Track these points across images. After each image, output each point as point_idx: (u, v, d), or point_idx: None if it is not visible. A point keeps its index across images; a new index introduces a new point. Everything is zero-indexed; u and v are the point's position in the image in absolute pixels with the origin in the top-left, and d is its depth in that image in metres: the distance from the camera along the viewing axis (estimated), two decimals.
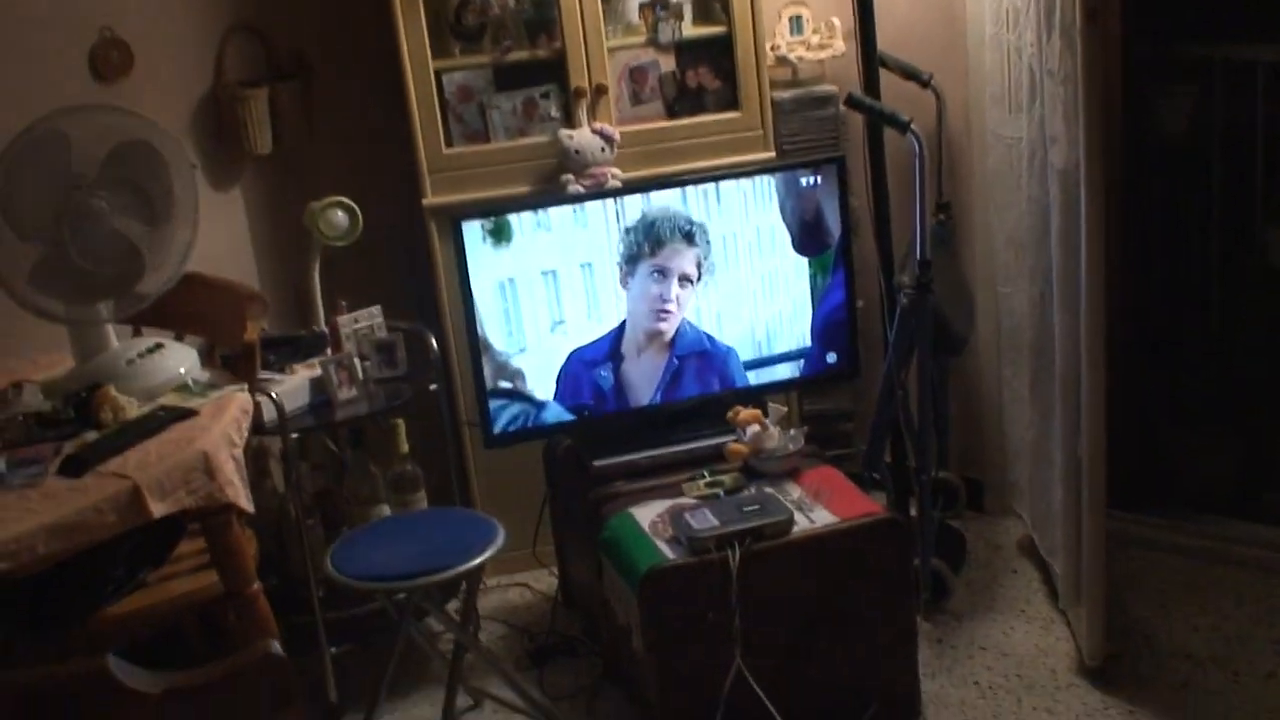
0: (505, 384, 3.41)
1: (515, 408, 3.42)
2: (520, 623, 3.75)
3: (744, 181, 3.42)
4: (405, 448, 3.59)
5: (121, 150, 2.88)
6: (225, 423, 2.83)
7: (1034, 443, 3.51)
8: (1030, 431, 3.53)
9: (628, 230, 3.36)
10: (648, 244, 3.36)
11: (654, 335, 3.44)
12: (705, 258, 3.41)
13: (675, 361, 3.45)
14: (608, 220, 3.35)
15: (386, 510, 3.61)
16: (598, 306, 3.40)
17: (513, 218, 3.32)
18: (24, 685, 1.65)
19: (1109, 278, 3.03)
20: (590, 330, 3.41)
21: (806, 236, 3.48)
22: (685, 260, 3.39)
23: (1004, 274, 3.66)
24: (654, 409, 3.49)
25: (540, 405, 3.43)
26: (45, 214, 2.81)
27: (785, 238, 3.46)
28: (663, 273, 3.39)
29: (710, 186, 3.40)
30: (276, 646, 1.76)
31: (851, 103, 3.32)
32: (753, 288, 3.48)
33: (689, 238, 3.37)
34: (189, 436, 2.76)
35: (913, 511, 3.55)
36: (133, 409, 2.89)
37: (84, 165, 2.84)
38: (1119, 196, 3.71)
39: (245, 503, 2.81)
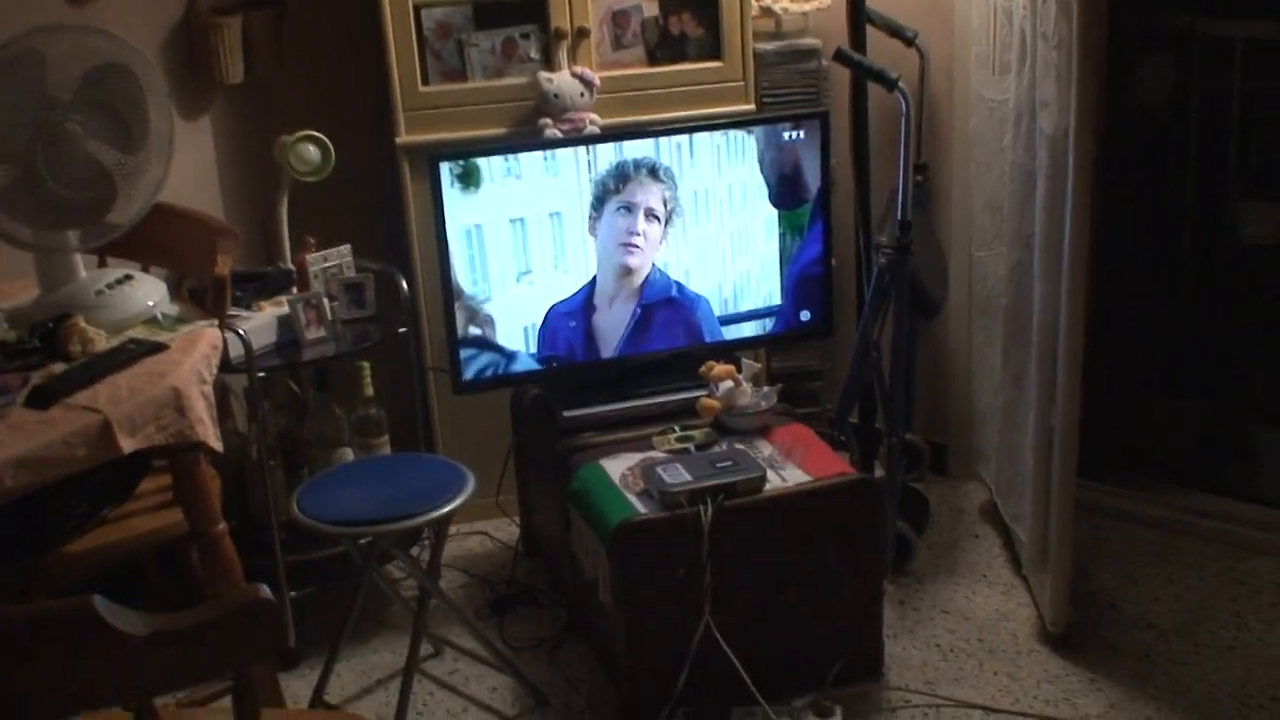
0: (475, 331, 3.35)
1: (485, 358, 3.37)
2: (480, 572, 3.71)
3: (717, 136, 3.37)
4: (370, 391, 3.54)
5: (98, 73, 2.77)
6: (196, 359, 2.75)
7: (1004, 408, 3.51)
8: (1000, 397, 3.53)
9: (596, 179, 3.31)
10: (614, 181, 3.31)
11: (624, 275, 3.38)
12: (673, 196, 3.36)
13: (639, 311, 3.40)
14: (579, 169, 3.30)
15: (349, 454, 3.56)
16: (564, 257, 3.35)
17: (482, 163, 3.25)
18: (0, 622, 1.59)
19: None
20: (557, 281, 3.36)
21: (784, 189, 3.44)
22: (651, 195, 3.34)
23: (980, 238, 3.65)
24: (625, 360, 3.45)
25: (510, 355, 3.38)
26: (18, 135, 2.71)
27: (758, 193, 3.42)
28: (629, 207, 3.34)
29: (684, 139, 3.34)
30: (267, 591, 1.71)
31: (840, 57, 3.27)
32: (723, 244, 3.44)
33: (653, 173, 3.33)
34: (160, 371, 2.67)
35: (879, 473, 3.55)
36: (102, 341, 2.80)
37: (59, 88, 2.73)
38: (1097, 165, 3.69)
39: (215, 441, 2.74)
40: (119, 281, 2.96)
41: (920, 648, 3.29)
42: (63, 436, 2.47)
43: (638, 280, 3.39)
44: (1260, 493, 3.81)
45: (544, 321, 3.37)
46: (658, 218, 3.34)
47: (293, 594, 3.35)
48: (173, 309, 2.99)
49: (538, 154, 3.30)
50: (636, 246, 3.34)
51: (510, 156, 3.28)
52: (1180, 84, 4.15)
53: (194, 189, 3.66)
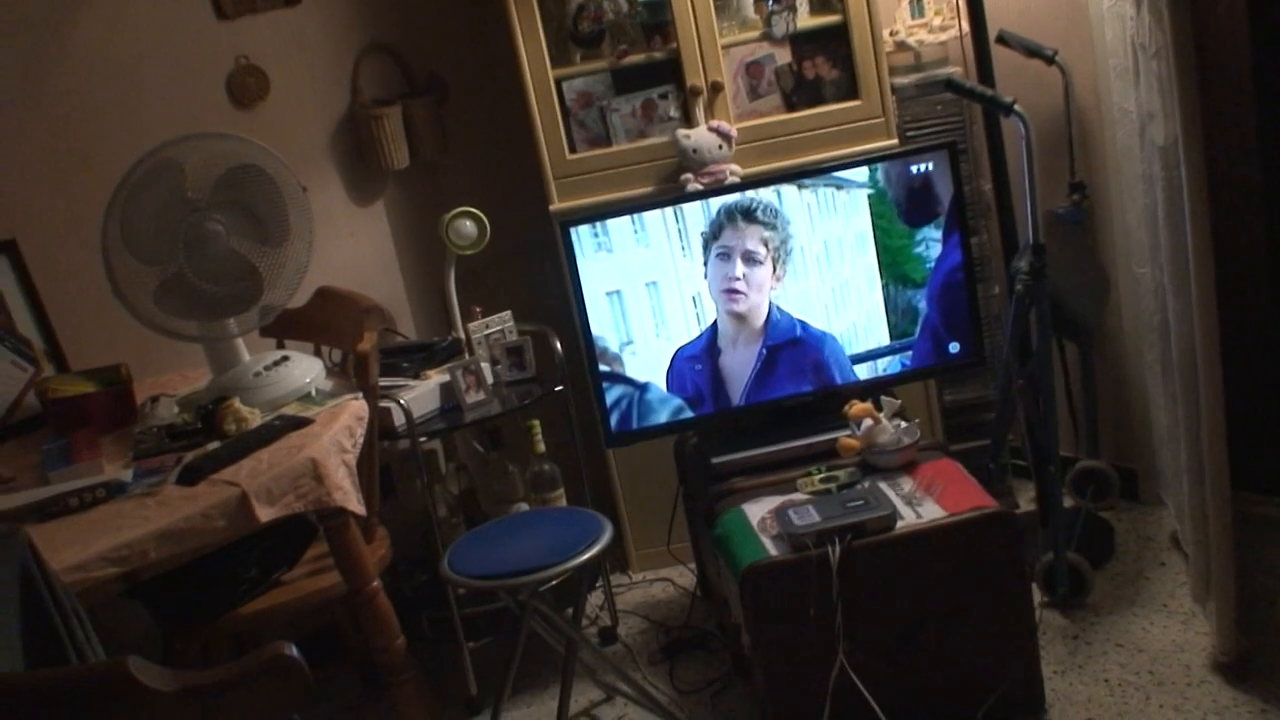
0: (604, 368, 3.46)
1: (617, 390, 3.46)
2: (659, 617, 3.81)
3: (806, 192, 3.38)
4: (541, 447, 3.70)
5: (233, 174, 3.06)
6: (336, 430, 2.98)
7: (1170, 428, 3.37)
8: (1167, 416, 3.39)
9: (704, 229, 3.38)
10: (712, 229, 3.36)
11: (739, 321, 3.42)
12: (776, 237, 3.38)
13: (764, 351, 3.44)
14: (668, 235, 3.38)
15: (525, 507, 3.72)
16: (665, 324, 3.43)
17: (614, 232, 3.38)
18: (44, 682, 1.79)
19: (1230, 257, 2.90)
20: (659, 348, 3.45)
21: (913, 206, 3.41)
22: (747, 238, 3.37)
23: (1139, 253, 3.52)
24: (776, 402, 3.49)
25: (643, 387, 3.47)
26: (164, 239, 3.00)
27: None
28: (726, 253, 3.38)
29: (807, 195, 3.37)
30: (291, 648, 1.86)
31: (952, 87, 3.25)
32: (851, 283, 3.45)
33: (749, 216, 3.35)
34: (300, 444, 2.91)
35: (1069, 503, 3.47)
36: (255, 419, 3.06)
37: (198, 190, 3.03)
38: (1263, 165, 3.51)
39: (355, 505, 2.95)
40: (276, 363, 3.23)
41: (1088, 683, 3.19)
42: (203, 509, 2.72)
43: (757, 322, 3.42)
44: None
45: (670, 365, 3.44)
46: (759, 260, 3.38)
47: (471, 644, 3.53)
48: (327, 385, 3.23)
49: (627, 224, 3.39)
50: (738, 291, 3.39)
51: (600, 230, 3.38)
52: None
53: (376, 268, 3.94)
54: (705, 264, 3.39)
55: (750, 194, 3.37)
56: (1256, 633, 3.16)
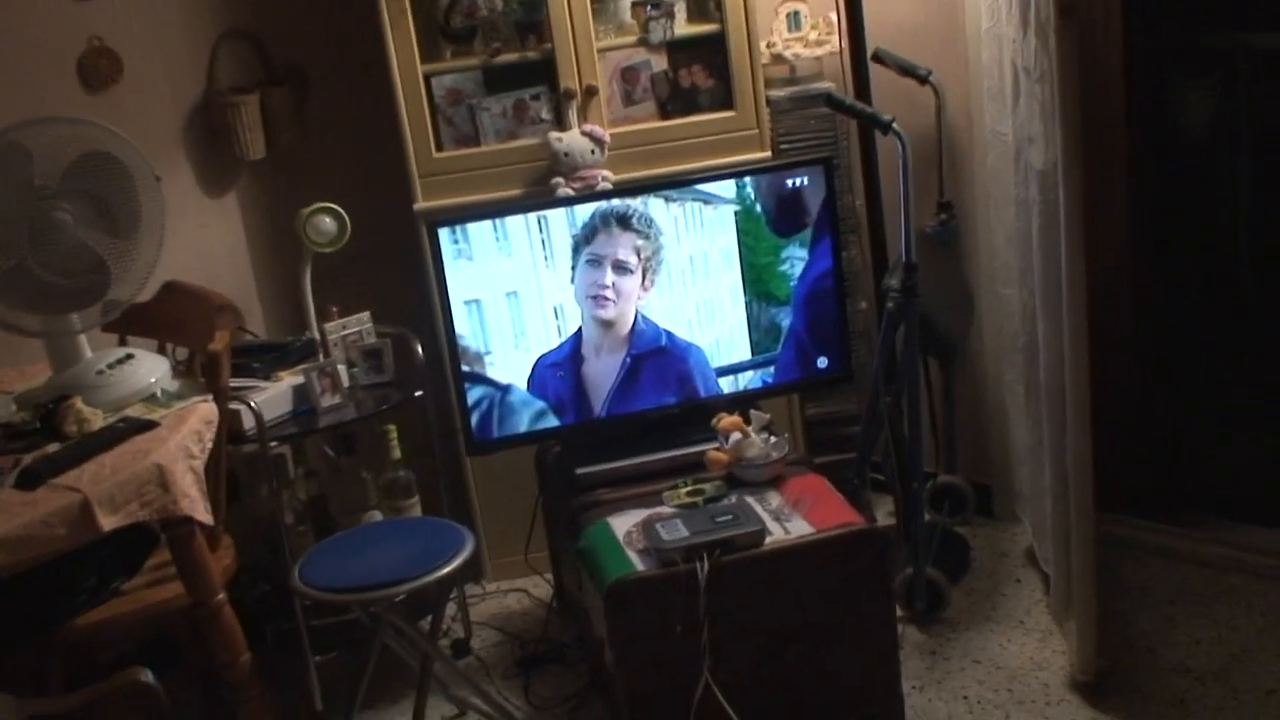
0: (466, 368, 3.36)
1: (478, 395, 3.37)
2: (514, 629, 3.72)
3: (674, 206, 3.33)
4: (398, 454, 3.58)
5: (84, 161, 2.88)
6: (184, 434, 2.82)
7: (1032, 449, 3.41)
8: (1029, 437, 3.43)
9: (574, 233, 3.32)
10: (584, 234, 3.30)
11: (605, 328, 3.36)
12: (648, 246, 3.33)
13: (629, 360, 3.38)
14: (531, 244, 3.31)
15: (378, 516, 3.60)
16: (524, 335, 3.37)
17: (475, 239, 3.29)
18: None
19: (1099, 282, 2.93)
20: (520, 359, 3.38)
21: (781, 215, 3.37)
22: (619, 246, 3.31)
23: (1005, 275, 3.55)
24: (642, 415, 3.43)
25: (505, 392, 3.38)
26: (7, 228, 2.81)
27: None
28: (597, 260, 3.32)
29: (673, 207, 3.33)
30: (147, 674, 1.74)
31: (831, 103, 3.23)
32: (716, 297, 3.42)
33: (623, 222, 3.30)
34: (145, 449, 2.75)
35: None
36: (98, 420, 2.89)
37: (46, 178, 2.84)
38: (1129, 193, 3.58)
39: (203, 514, 2.81)
40: (120, 361, 3.05)
41: (947, 699, 3.20)
42: (43, 516, 2.55)
43: (623, 330, 3.36)
44: None
45: (532, 373, 3.36)
46: (629, 269, 3.32)
47: (318, 658, 3.40)
48: (173, 385, 3.07)
49: (488, 231, 3.30)
50: (606, 299, 3.32)
51: (460, 237, 3.29)
52: (1228, 103, 4.01)
53: (225, 263, 3.78)
54: (573, 268, 3.32)
55: (627, 201, 3.30)
56: (1114, 652, 3.20)
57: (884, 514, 3.89)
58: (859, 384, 3.79)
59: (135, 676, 1.73)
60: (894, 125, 3.14)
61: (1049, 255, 2.93)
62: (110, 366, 3.03)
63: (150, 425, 2.85)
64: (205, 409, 2.94)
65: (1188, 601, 3.44)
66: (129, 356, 3.07)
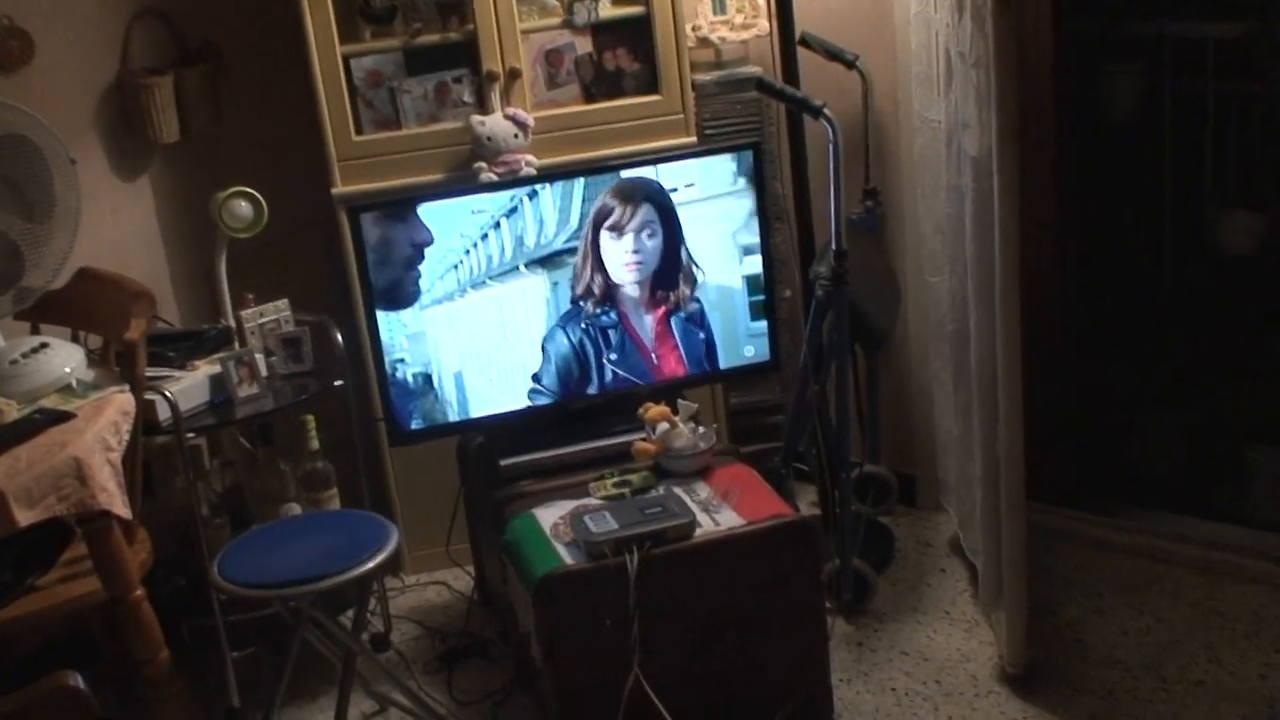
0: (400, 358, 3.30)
1: (405, 385, 3.32)
2: (435, 623, 3.65)
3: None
4: (316, 444, 3.50)
5: None
6: (101, 426, 2.74)
7: (959, 438, 3.41)
8: (956, 426, 3.42)
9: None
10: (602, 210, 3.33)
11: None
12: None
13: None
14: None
15: (296, 508, 3.52)
16: None
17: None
18: None
19: (1028, 270, 2.93)
20: None
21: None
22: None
23: (931, 263, 3.55)
24: (564, 403, 3.39)
25: (429, 383, 3.33)
26: None
27: None
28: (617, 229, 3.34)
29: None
30: (76, 678, 1.67)
31: (762, 87, 3.20)
32: None
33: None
34: (62, 441, 2.67)
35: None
36: (12, 411, 2.79)
37: None
38: (1057, 179, 3.59)
39: (121, 508, 2.73)
40: (34, 350, 2.96)
41: (875, 692, 3.19)
42: None
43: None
44: (1250, 514, 3.67)
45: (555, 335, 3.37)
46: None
47: (235, 654, 3.31)
48: (89, 375, 2.97)
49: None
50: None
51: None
52: (1152, 90, 4.05)
53: (137, 248, 3.66)
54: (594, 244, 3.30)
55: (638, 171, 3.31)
56: (1041, 644, 3.21)
57: (807, 504, 3.88)
58: (785, 373, 3.76)
59: (63, 681, 1.65)
60: (825, 110, 3.11)
61: (983, 243, 2.92)
62: (24, 356, 2.94)
63: (67, 417, 2.77)
64: (122, 399, 2.86)
65: (1116, 592, 3.46)
66: (43, 345, 2.97)
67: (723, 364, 3.45)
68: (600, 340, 3.38)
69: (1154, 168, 4.07)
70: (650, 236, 3.33)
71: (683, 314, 3.39)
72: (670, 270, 3.35)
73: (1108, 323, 4.03)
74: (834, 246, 3.19)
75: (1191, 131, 4.03)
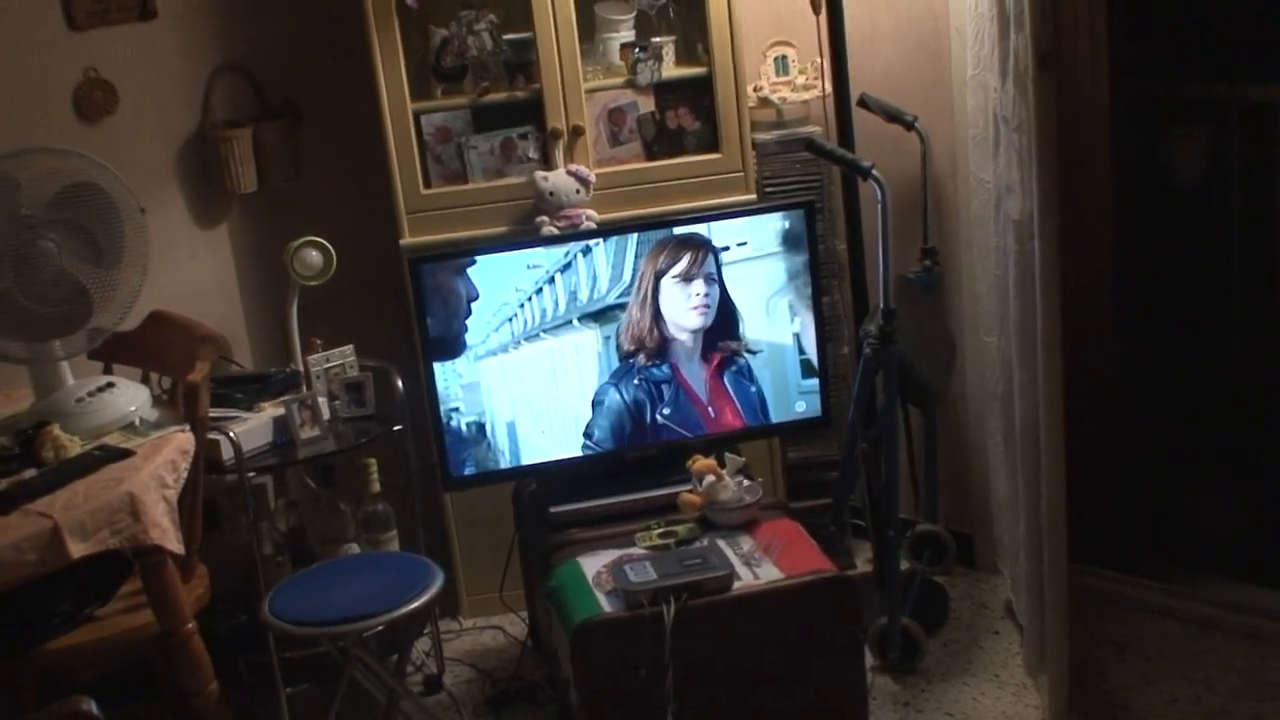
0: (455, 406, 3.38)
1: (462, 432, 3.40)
2: (488, 667, 3.71)
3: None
4: (377, 487, 3.59)
5: (70, 192, 2.91)
6: (159, 463, 2.84)
7: (1010, 499, 3.40)
8: (1007, 487, 3.42)
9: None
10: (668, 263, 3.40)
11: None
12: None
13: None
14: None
15: (356, 549, 3.60)
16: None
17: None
18: None
19: (1080, 332, 2.93)
20: None
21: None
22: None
23: (986, 322, 3.55)
24: (619, 453, 3.44)
25: (488, 431, 3.40)
26: None
27: None
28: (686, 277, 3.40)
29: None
30: (89, 703, 1.75)
31: (812, 148, 3.25)
32: None
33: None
34: (119, 477, 2.77)
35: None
36: (75, 447, 2.91)
37: (33, 207, 2.87)
38: (1115, 241, 3.58)
39: (174, 544, 2.82)
40: (101, 389, 3.07)
41: None
42: (13, 542, 2.57)
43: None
44: None
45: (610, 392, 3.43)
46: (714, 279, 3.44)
47: (289, 690, 3.40)
48: (153, 414, 3.09)
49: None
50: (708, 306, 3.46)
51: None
52: (1220, 153, 4.01)
53: (214, 295, 3.80)
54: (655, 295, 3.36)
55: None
56: (1088, 708, 3.18)
57: (864, 561, 3.88)
58: (838, 429, 3.78)
59: (77, 705, 1.73)
60: (874, 171, 3.15)
61: (1025, 304, 2.94)
62: (90, 394, 3.05)
63: (126, 454, 2.87)
64: (181, 438, 2.96)
65: (1166, 658, 3.42)
66: (110, 385, 3.09)
67: (774, 418, 3.49)
68: (654, 394, 3.43)
69: (1221, 231, 4.02)
70: (711, 283, 3.39)
71: (734, 367, 3.43)
72: (726, 320, 3.41)
73: (1172, 386, 3.98)
74: (883, 305, 3.22)
75: (1260, 195, 3.98)
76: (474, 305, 3.32)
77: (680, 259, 3.36)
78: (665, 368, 3.41)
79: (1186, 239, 4.05)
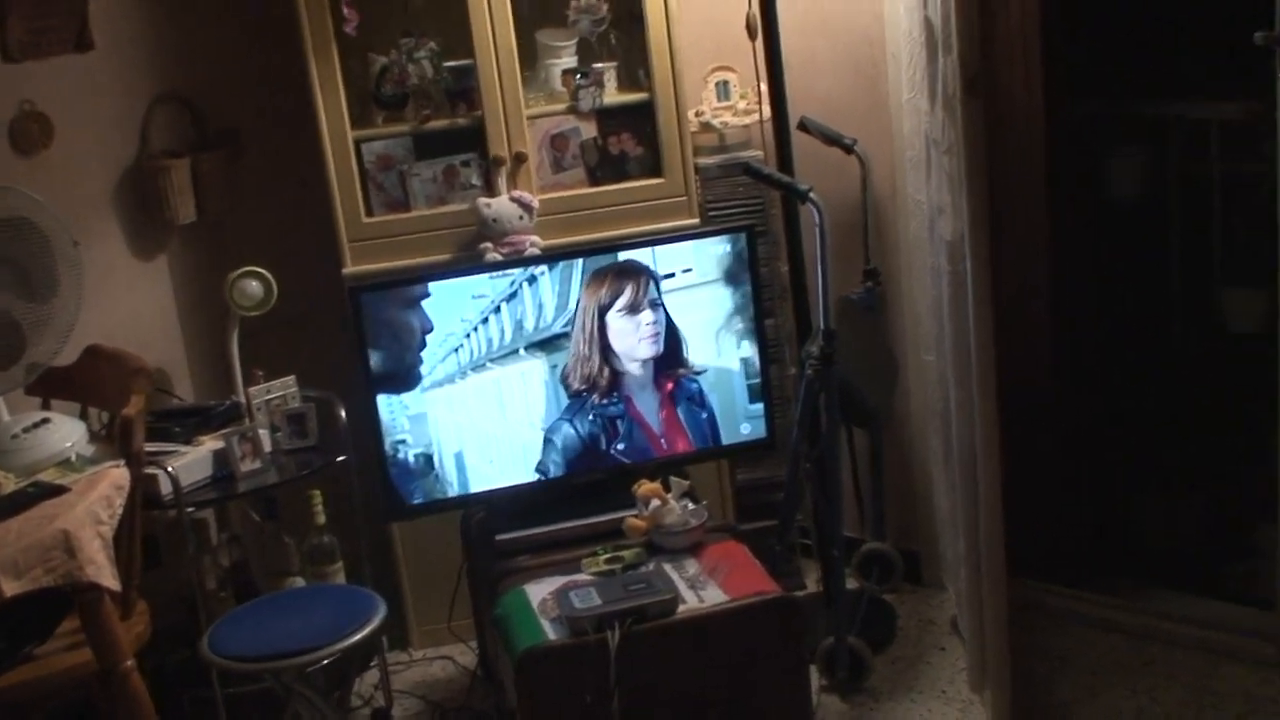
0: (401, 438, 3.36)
1: (408, 461, 3.37)
2: (437, 698, 3.69)
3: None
4: (322, 519, 3.57)
5: (1, 228, 2.90)
6: (93, 500, 2.82)
7: (950, 514, 3.41)
8: (947, 503, 3.43)
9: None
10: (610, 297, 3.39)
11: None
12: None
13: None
14: None
15: (300, 582, 3.58)
16: None
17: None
18: None
19: (1021, 348, 2.95)
20: None
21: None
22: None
23: (926, 341, 3.57)
24: (564, 479, 3.43)
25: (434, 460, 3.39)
26: None
27: None
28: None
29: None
30: None
31: (749, 172, 3.27)
32: None
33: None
34: (52, 514, 2.75)
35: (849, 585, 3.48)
36: (9, 484, 2.89)
37: None
38: (1051, 258, 3.61)
39: (110, 580, 2.79)
40: (36, 425, 3.06)
41: None
42: None
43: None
44: (1255, 593, 3.62)
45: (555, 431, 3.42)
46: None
47: None
48: (89, 450, 3.07)
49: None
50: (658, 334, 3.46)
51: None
52: (1157, 171, 4.05)
53: (153, 327, 3.78)
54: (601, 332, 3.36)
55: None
56: None
57: (814, 580, 3.89)
58: (783, 450, 3.79)
59: None
60: (811, 194, 3.17)
61: (958, 324, 2.96)
62: (25, 430, 3.04)
63: (60, 490, 2.85)
64: (116, 474, 2.93)
65: (1110, 671, 3.43)
66: (45, 420, 3.07)
67: (721, 441, 3.49)
68: (609, 429, 3.42)
69: (1159, 247, 4.07)
70: (657, 309, 3.39)
71: (686, 394, 3.43)
72: (674, 345, 3.41)
73: (1114, 400, 4.02)
74: (823, 326, 3.23)
75: (1197, 211, 4.02)
76: (428, 338, 3.31)
77: (623, 290, 3.36)
78: (619, 404, 3.41)
79: (1128, 253, 4.09)
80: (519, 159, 3.66)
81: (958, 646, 3.62)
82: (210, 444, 3.43)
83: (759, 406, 3.48)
